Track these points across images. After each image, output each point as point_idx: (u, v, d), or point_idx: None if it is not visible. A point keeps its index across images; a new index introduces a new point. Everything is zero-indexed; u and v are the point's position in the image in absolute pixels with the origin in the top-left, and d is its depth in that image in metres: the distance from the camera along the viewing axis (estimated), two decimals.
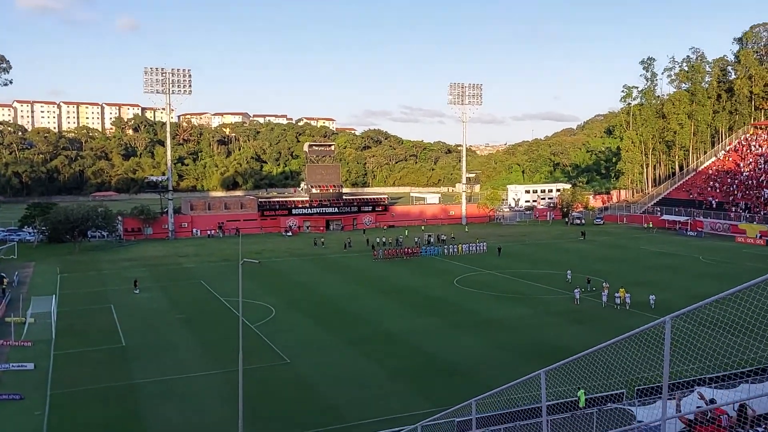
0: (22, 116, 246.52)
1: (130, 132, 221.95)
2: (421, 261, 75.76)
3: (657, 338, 8.41)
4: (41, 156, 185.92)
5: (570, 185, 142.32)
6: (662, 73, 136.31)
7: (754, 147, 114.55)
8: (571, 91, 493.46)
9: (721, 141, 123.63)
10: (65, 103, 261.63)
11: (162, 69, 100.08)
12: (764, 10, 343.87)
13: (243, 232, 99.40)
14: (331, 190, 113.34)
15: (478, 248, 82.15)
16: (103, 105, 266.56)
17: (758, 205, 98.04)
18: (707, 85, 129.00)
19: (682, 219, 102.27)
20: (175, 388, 34.67)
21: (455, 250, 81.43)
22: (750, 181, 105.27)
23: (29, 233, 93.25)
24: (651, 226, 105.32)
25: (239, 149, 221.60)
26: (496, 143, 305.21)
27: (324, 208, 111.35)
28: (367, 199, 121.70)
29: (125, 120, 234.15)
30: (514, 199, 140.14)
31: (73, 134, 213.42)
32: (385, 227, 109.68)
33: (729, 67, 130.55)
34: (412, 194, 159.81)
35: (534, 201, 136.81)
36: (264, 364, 37.98)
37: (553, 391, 9.87)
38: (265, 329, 45.39)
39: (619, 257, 76.35)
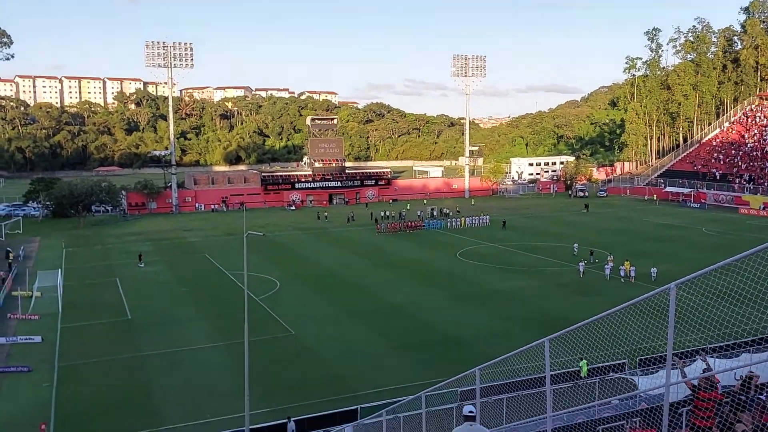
0: (24, 91, 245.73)
1: (133, 107, 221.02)
2: (424, 234, 75.87)
3: (658, 309, 8.46)
4: (44, 131, 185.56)
5: (573, 158, 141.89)
6: (667, 44, 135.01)
7: (759, 118, 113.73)
8: (574, 63, 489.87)
9: (726, 112, 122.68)
10: (67, 77, 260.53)
11: (164, 43, 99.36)
12: None
13: (246, 206, 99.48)
14: (333, 164, 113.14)
15: (481, 221, 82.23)
16: (105, 79, 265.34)
17: (762, 176, 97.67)
18: (713, 56, 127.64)
19: (686, 191, 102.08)
20: (182, 359, 35.06)
21: (458, 223, 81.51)
22: (754, 153, 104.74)
23: (34, 208, 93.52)
24: (655, 198, 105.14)
25: (242, 123, 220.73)
26: (499, 116, 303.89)
27: (327, 182, 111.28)
28: (369, 173, 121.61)
29: (127, 94, 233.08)
30: (517, 172, 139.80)
31: (75, 109, 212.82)
32: (391, 201, 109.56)
33: (735, 38, 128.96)
34: (414, 168, 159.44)
35: (537, 174, 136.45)
36: (269, 335, 38.33)
37: (555, 361, 9.96)
38: (270, 302, 45.70)
39: (622, 229, 76.34)
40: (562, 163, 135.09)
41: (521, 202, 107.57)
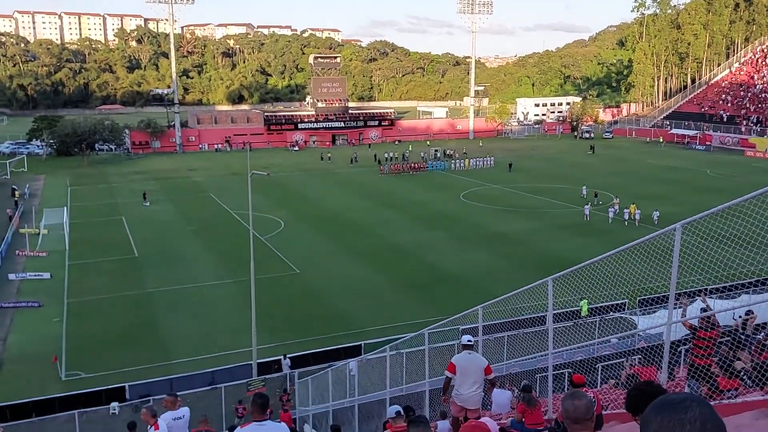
0: (23, 27, 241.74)
1: (134, 44, 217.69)
2: (427, 176, 75.80)
3: (660, 251, 8.56)
4: (45, 68, 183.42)
5: (580, 98, 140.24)
6: None
7: None
8: (583, 1, 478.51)
9: (736, 53, 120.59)
10: (66, 13, 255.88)
11: None
12: None
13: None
14: (336, 105, 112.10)
15: (485, 163, 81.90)
16: (105, 16, 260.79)
17: None
18: None
19: (692, 133, 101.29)
20: (189, 296, 35.69)
21: (462, 165, 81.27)
22: (763, 95, 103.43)
23: (38, 146, 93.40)
24: (661, 140, 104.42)
25: (244, 62, 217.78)
26: (505, 55, 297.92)
27: (330, 123, 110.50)
28: (373, 113, 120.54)
29: (128, 31, 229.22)
30: (523, 112, 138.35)
31: (75, 46, 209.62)
32: (396, 142, 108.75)
33: None
34: (419, 108, 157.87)
35: (543, 115, 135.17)
36: (274, 274, 38.87)
37: (556, 301, 10.13)
38: (275, 241, 46.14)
39: (627, 171, 76.09)
40: (568, 104, 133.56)
41: (526, 144, 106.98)
